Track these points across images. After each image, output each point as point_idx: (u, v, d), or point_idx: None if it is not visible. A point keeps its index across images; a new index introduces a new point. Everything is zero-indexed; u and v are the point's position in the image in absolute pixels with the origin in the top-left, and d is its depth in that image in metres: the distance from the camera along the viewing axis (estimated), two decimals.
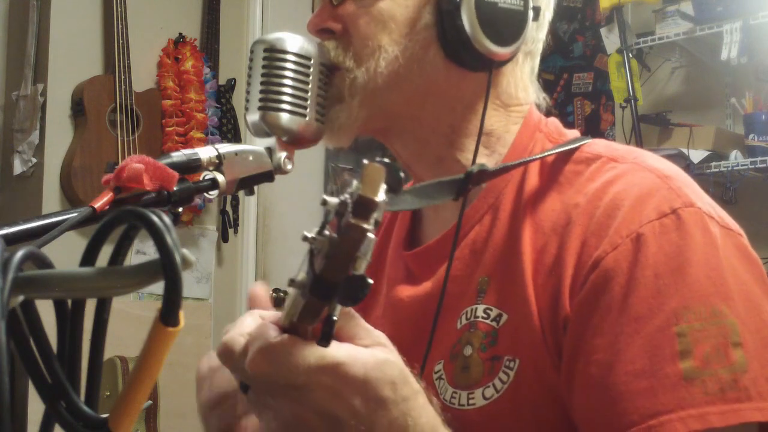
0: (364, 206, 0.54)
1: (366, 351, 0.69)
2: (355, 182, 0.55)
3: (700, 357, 0.76)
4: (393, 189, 0.57)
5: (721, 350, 0.77)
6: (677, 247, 0.80)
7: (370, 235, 0.55)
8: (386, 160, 0.56)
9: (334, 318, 0.61)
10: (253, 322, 0.72)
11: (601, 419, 0.79)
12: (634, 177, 0.86)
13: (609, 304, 0.80)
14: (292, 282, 0.64)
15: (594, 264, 0.81)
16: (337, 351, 0.67)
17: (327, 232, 0.57)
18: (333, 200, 0.58)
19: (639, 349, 0.78)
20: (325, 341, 0.63)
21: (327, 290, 0.59)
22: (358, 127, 0.94)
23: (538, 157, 0.92)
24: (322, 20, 0.94)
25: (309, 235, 0.59)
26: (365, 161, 0.55)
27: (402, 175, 0.59)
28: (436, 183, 0.90)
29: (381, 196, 0.54)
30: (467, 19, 0.89)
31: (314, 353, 0.66)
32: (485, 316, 0.88)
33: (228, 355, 0.72)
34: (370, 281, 0.58)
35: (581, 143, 0.93)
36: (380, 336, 0.72)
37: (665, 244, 0.80)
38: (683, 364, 0.76)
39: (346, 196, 0.56)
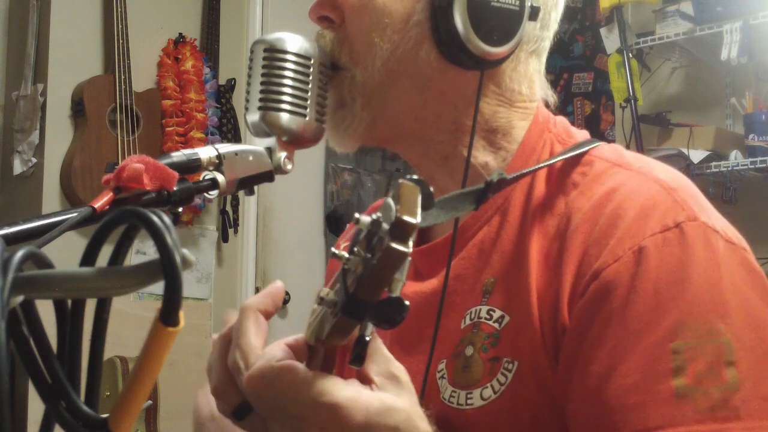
0: (403, 229, 0.53)
1: (370, 394, 0.68)
2: (390, 201, 0.54)
3: (692, 375, 0.76)
4: (425, 206, 0.56)
5: (715, 369, 0.76)
6: (678, 262, 0.80)
7: (408, 257, 0.54)
8: (416, 176, 0.56)
9: (367, 338, 0.60)
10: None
11: (594, 430, 0.79)
12: (640, 187, 0.85)
13: (608, 315, 0.80)
14: (321, 300, 0.63)
15: (594, 274, 0.81)
16: (340, 391, 0.66)
17: (356, 249, 0.57)
18: (365, 219, 0.57)
19: (634, 364, 0.78)
20: (357, 362, 0.61)
21: (360, 310, 0.57)
22: (364, 130, 0.94)
23: (549, 162, 0.92)
24: (322, 8, 0.95)
25: (341, 254, 0.58)
26: (400, 180, 0.54)
27: (431, 189, 0.58)
28: (459, 194, 0.89)
29: (418, 217, 0.53)
30: (459, 17, 0.88)
31: (316, 386, 0.65)
32: (488, 317, 0.88)
33: (236, 369, 0.71)
34: (407, 303, 0.57)
35: (590, 146, 0.93)
36: (397, 368, 0.70)
37: (667, 257, 0.80)
38: (675, 381, 0.76)
39: (379, 215, 0.55)
